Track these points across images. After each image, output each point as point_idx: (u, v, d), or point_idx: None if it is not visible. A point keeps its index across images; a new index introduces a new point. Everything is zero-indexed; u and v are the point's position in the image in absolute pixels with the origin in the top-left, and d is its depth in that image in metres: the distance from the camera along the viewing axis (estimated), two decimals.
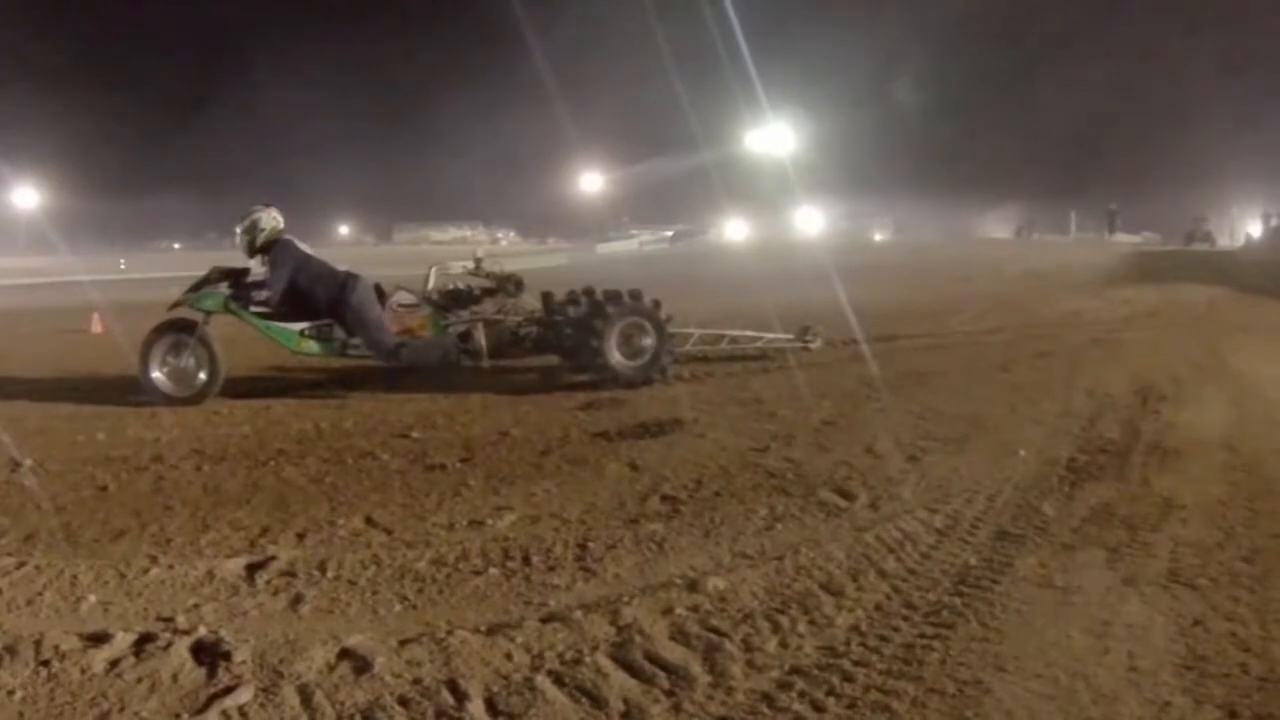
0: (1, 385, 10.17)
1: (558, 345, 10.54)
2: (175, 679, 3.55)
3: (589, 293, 10.76)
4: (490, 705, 3.30)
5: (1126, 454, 6.60)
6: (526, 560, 4.71)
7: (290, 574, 4.61)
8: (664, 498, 5.74)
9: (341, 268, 10.12)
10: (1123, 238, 56.86)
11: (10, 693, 3.51)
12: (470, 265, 10.97)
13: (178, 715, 3.32)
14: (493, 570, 4.59)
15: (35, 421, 9.03)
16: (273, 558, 4.82)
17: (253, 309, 9.83)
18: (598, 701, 3.33)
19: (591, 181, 61.51)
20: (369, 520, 5.46)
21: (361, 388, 9.93)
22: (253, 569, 4.69)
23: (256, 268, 10.03)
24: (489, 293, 10.58)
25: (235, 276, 9.96)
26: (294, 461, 7.01)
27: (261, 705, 3.34)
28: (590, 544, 4.91)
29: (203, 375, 9.61)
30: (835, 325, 12.93)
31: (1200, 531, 5.01)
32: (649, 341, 10.20)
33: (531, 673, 3.51)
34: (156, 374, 9.61)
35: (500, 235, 68.60)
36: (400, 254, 55.59)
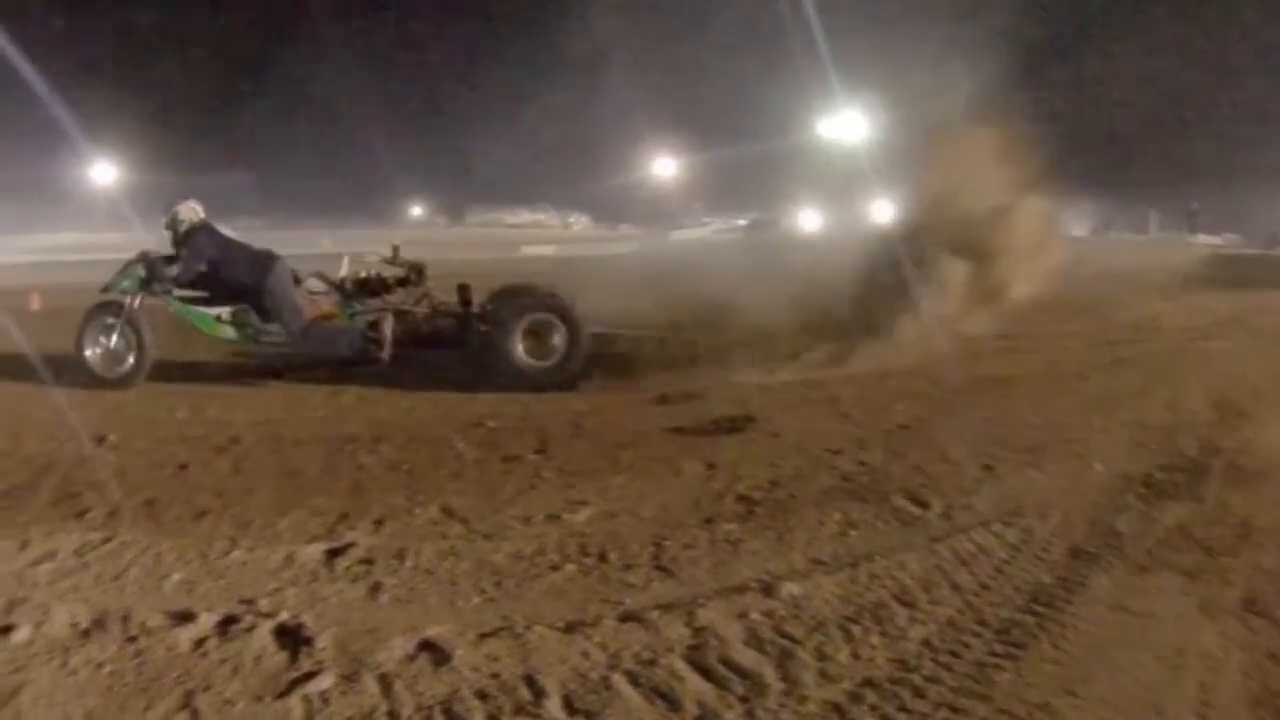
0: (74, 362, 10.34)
1: (466, 340, 10.13)
2: (258, 662, 3.63)
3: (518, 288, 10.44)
4: (567, 703, 3.33)
5: (1204, 472, 6.40)
6: (603, 557, 4.72)
7: (369, 561, 4.67)
8: (739, 498, 5.71)
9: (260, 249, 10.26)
10: (1204, 239, 55.77)
11: (99, 666, 3.61)
12: (388, 254, 10.67)
13: (260, 698, 3.38)
14: (570, 566, 4.62)
15: (111, 398, 9.25)
16: (351, 544, 4.88)
17: (176, 294, 9.99)
18: (673, 704, 3.34)
19: (664, 167, 61.31)
20: (446, 510, 5.50)
21: (431, 376, 9.96)
22: (332, 555, 4.76)
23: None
24: (402, 283, 10.35)
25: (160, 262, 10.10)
26: (369, 447, 7.09)
27: (342, 693, 3.39)
28: (666, 542, 4.91)
29: (131, 359, 9.79)
30: None
31: (1279, 559, 4.90)
32: (559, 341, 9.79)
33: (608, 672, 3.53)
34: (89, 353, 9.78)
35: (572, 220, 68.49)
36: (473, 236, 55.81)
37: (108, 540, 4.99)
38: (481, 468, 6.59)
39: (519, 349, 9.73)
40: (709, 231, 53.99)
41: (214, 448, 7.17)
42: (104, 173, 50.10)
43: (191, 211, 10.18)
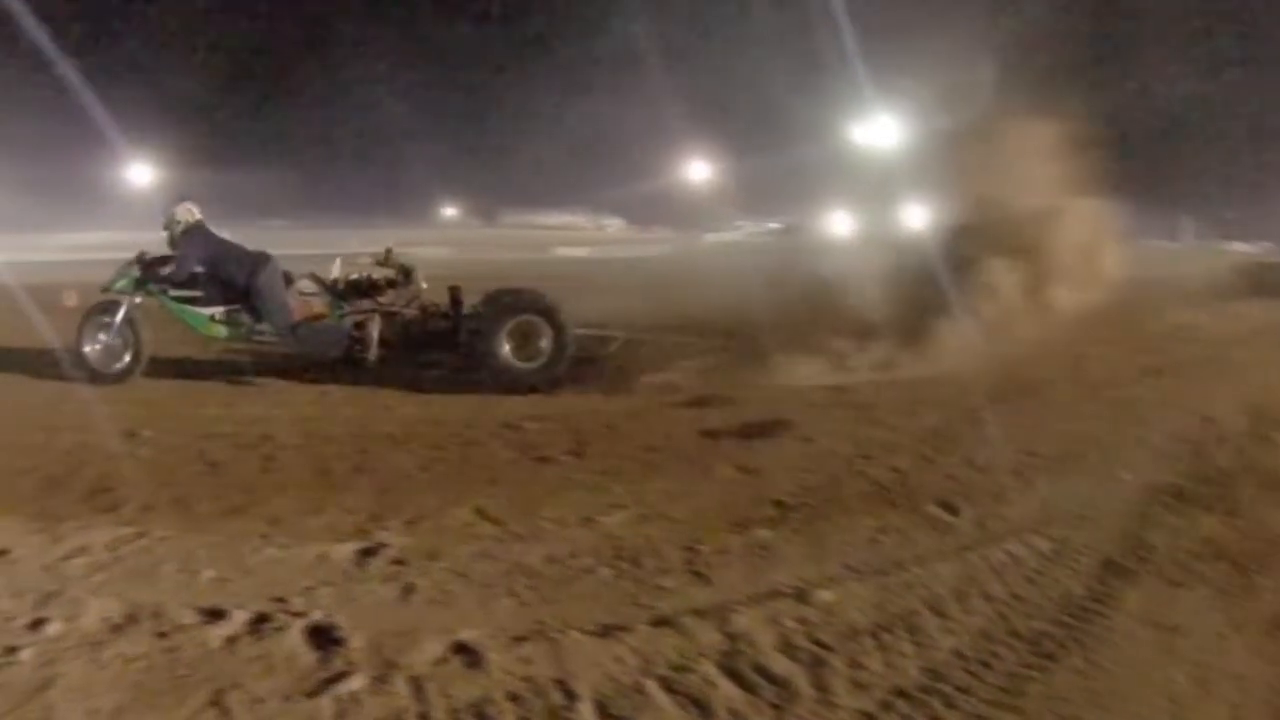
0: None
1: (455, 342, 10.19)
2: (289, 661, 3.62)
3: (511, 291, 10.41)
4: (600, 708, 3.32)
5: (1237, 485, 6.27)
6: (637, 561, 4.70)
7: (401, 562, 4.67)
8: (772, 502, 5.69)
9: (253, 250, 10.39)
10: (1238, 247, 55.25)
11: (130, 661, 3.61)
12: (380, 256, 10.69)
13: (291, 697, 3.38)
14: (604, 570, 4.60)
15: (143, 393, 9.33)
16: (384, 544, 4.88)
17: (172, 294, 10.11)
18: (705, 710, 3.33)
19: (698, 171, 61.24)
20: (479, 511, 5.49)
21: (464, 376, 9.99)
22: (365, 554, 4.76)
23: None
24: (392, 284, 10.44)
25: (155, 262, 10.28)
26: (402, 446, 7.13)
27: (374, 694, 3.38)
28: (700, 547, 4.88)
29: (127, 357, 9.92)
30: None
31: None
32: (545, 344, 9.81)
33: (641, 677, 3.52)
34: (87, 349, 9.91)
35: (607, 222, 68.40)
36: (506, 237, 55.87)
37: (140, 535, 5.02)
38: (515, 468, 6.60)
39: (504, 350, 9.78)
40: (741, 235, 53.96)
41: (245, 444, 7.19)
42: (141, 173, 50.44)
43: (187, 213, 10.33)
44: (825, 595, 4.27)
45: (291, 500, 5.74)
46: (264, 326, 10.05)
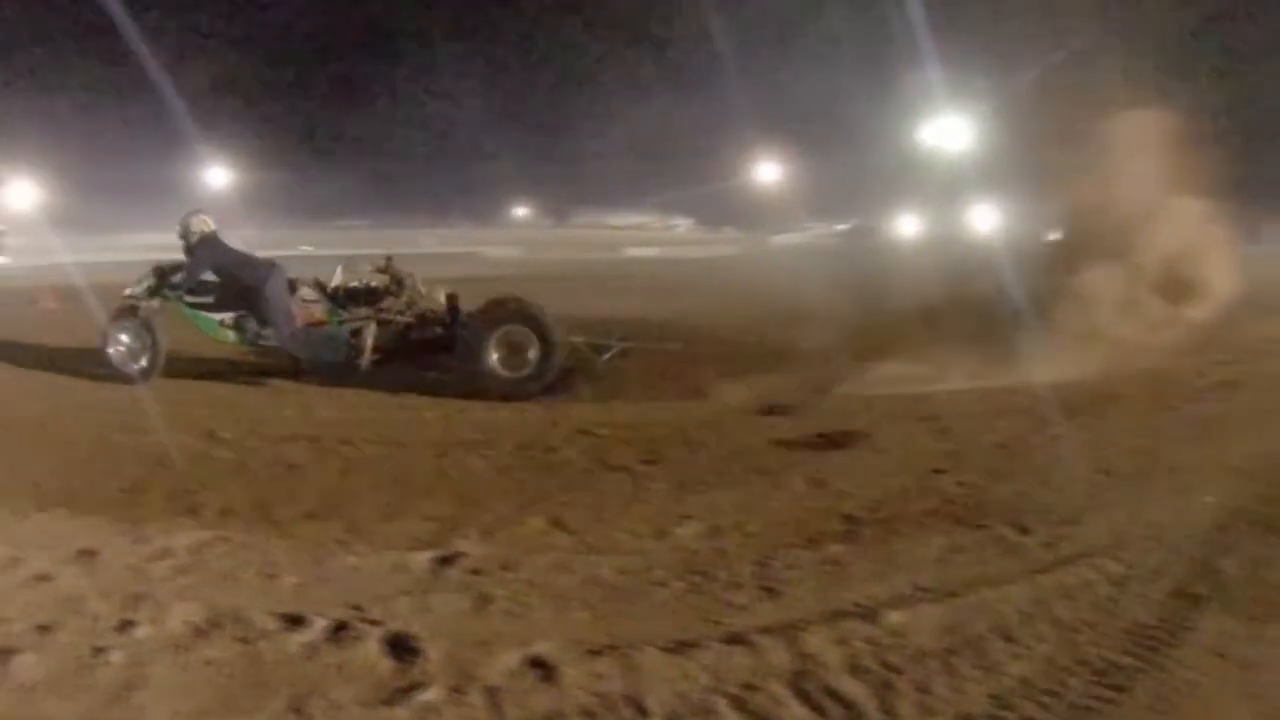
0: (185, 362, 10.80)
1: (450, 349, 10.33)
2: (367, 669, 3.68)
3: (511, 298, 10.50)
4: None
5: None
6: (709, 575, 4.70)
7: (478, 572, 4.71)
8: (843, 517, 5.65)
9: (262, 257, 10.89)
10: None
11: (213, 664, 3.71)
12: (380, 263, 10.95)
13: (368, 704, 3.43)
14: (676, 583, 4.61)
15: (222, 394, 9.53)
16: (461, 553, 4.93)
17: (187, 300, 10.55)
18: None
19: (767, 172, 61.08)
20: (555, 520, 5.53)
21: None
22: (441, 563, 4.81)
23: None
24: (389, 292, 10.66)
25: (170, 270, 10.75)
26: (478, 453, 7.19)
27: (450, 704, 3.43)
28: (771, 562, 4.87)
29: (144, 359, 10.37)
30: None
31: None
32: (533, 354, 9.88)
33: (711, 695, 3.52)
34: (111, 350, 10.38)
35: (676, 223, 68.40)
36: (576, 238, 56.12)
37: (221, 539, 5.12)
38: (589, 477, 6.64)
39: (493, 359, 9.89)
40: (809, 236, 53.82)
41: (323, 448, 7.31)
42: (217, 175, 51.36)
43: (201, 223, 10.78)
44: (895, 616, 4.24)
45: (369, 506, 5.83)
46: (268, 332, 10.39)
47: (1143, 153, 11.94)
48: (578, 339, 10.74)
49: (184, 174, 49.39)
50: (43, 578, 4.55)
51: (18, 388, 10.30)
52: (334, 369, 10.30)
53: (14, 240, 42.35)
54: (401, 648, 3.83)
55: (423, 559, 4.86)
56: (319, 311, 10.55)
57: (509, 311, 10.14)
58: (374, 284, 10.71)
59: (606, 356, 10.75)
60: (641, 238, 59.95)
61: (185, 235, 10.70)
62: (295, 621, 4.05)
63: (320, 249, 37.60)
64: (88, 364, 10.70)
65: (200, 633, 3.96)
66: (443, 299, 10.73)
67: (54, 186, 44.75)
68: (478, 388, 9.74)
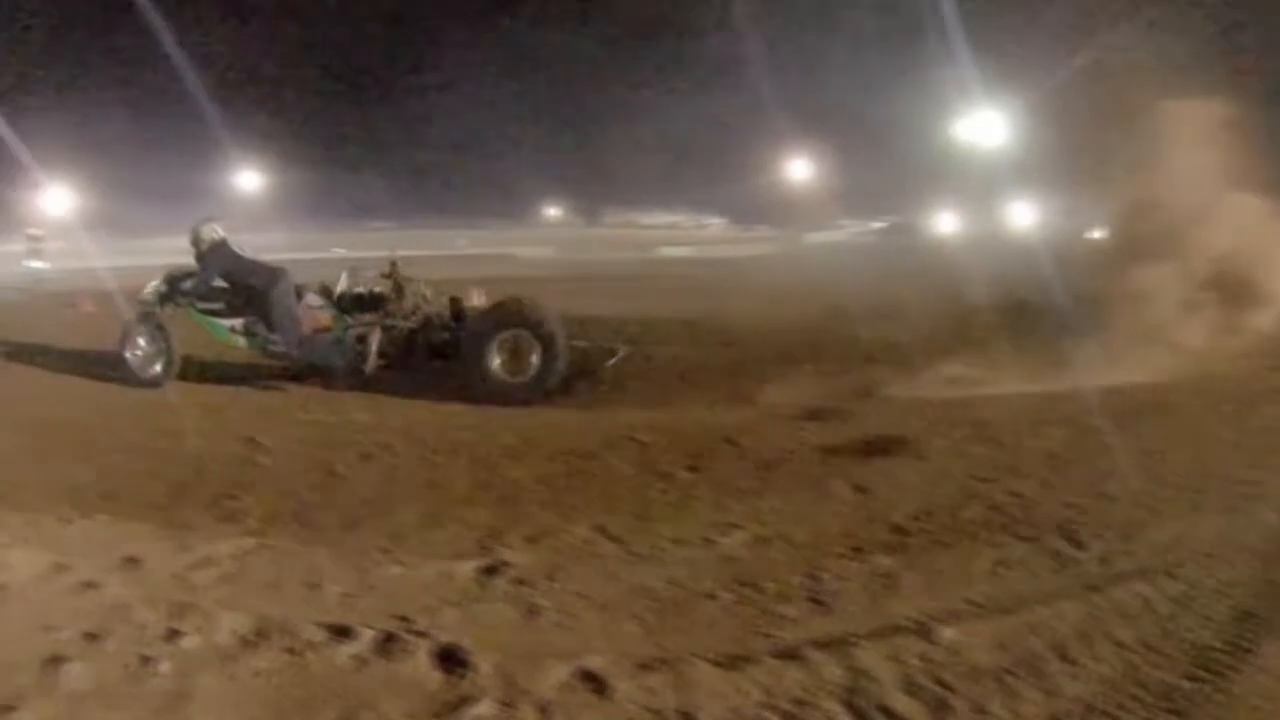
0: (221, 368, 10.99)
1: (452, 354, 10.43)
2: (417, 683, 3.65)
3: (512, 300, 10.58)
4: None
5: None
6: (758, 586, 4.63)
7: (523, 582, 4.67)
8: (891, 526, 5.56)
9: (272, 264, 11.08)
10: None
11: (255, 674, 3.69)
12: (385, 269, 11.07)
13: (420, 719, 3.40)
14: (725, 595, 4.55)
15: (257, 400, 9.58)
16: (506, 563, 4.89)
17: (198, 306, 10.75)
18: None
19: (800, 170, 60.85)
20: (599, 528, 5.48)
21: (575, 388, 10.10)
22: (487, 573, 4.78)
23: None
24: (394, 296, 10.79)
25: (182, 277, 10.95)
26: (520, 460, 7.17)
27: (501, 719, 3.39)
28: (820, 573, 4.79)
29: (159, 364, 10.53)
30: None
31: None
32: (534, 359, 9.95)
33: (764, 711, 3.47)
34: (128, 355, 10.53)
35: (708, 221, 68.21)
36: (608, 237, 56.14)
37: (264, 547, 5.11)
38: (633, 484, 6.58)
39: (494, 363, 9.97)
40: (845, 234, 53.64)
41: (362, 454, 7.31)
42: (249, 179, 51.66)
43: (212, 231, 10.99)
44: (948, 632, 4.15)
45: (412, 514, 5.82)
46: (275, 337, 10.55)
47: (1197, 145, 11.63)
48: (581, 343, 10.87)
49: (216, 178, 49.68)
50: (89, 585, 4.54)
51: (56, 390, 10.40)
52: (340, 374, 10.41)
53: (51, 245, 42.79)
54: (451, 660, 3.79)
55: (467, 568, 4.83)
56: (324, 318, 10.70)
57: (511, 315, 10.23)
58: (379, 289, 10.86)
59: (613, 361, 10.86)
60: (674, 237, 59.87)
61: (196, 243, 10.87)
62: (342, 633, 4.01)
63: (353, 250, 37.76)
64: (124, 367, 10.73)
65: (248, 643, 3.93)
66: (447, 302, 10.90)
67: (89, 192, 45.08)
68: (482, 392, 9.81)
